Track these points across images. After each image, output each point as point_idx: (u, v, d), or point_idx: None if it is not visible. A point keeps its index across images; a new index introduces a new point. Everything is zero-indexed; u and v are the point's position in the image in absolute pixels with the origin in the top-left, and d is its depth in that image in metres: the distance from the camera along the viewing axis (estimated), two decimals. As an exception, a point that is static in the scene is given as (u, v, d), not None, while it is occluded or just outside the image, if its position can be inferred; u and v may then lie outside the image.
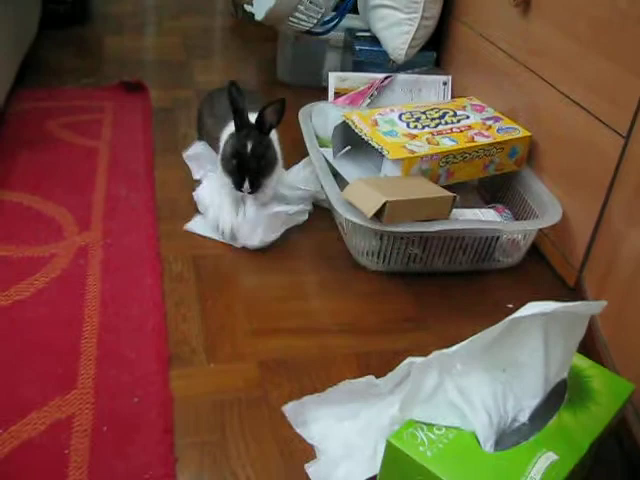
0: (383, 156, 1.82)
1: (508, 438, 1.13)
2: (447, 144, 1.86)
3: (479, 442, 1.09)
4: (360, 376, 1.35)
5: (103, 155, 2.21)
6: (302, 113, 2.18)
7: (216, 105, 2.12)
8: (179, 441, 1.28)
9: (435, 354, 1.10)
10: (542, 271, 1.89)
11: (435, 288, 1.77)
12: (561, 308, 1.09)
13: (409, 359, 1.13)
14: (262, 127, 1.81)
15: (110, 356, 1.44)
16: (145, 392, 1.36)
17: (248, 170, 1.77)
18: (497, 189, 2.10)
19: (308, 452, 1.29)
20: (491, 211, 1.88)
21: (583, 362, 1.28)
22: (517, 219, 1.96)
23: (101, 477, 1.19)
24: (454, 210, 1.76)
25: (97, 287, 1.62)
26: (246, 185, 1.77)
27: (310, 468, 1.25)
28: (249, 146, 1.77)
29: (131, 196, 2.01)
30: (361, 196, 1.64)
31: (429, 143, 1.85)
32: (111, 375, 1.40)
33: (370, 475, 1.22)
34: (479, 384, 1.15)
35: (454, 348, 1.10)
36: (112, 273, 1.68)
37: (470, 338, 1.10)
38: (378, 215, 1.61)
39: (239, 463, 1.26)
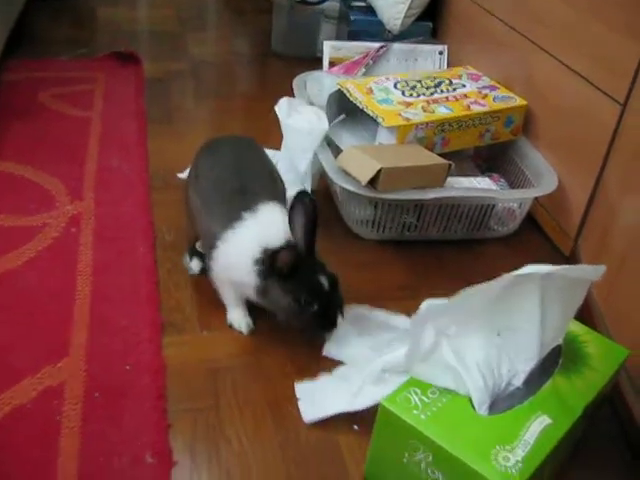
0: (378, 124, 1.81)
1: (502, 402, 1.12)
2: (442, 112, 1.84)
3: (473, 405, 1.08)
4: None
5: (95, 126, 2.19)
6: (296, 82, 2.15)
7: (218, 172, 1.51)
8: (172, 408, 1.27)
9: (430, 308, 1.08)
10: (538, 240, 1.88)
11: (430, 257, 1.76)
12: (559, 271, 1.08)
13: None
14: (308, 244, 1.35)
15: (102, 324, 1.43)
16: (137, 359, 1.36)
17: (333, 306, 1.36)
18: (493, 158, 2.08)
19: (301, 417, 1.28)
20: (487, 179, 1.87)
21: (578, 328, 1.28)
22: (513, 188, 1.95)
23: (93, 443, 1.19)
24: (449, 178, 1.74)
25: (89, 256, 1.61)
26: (338, 320, 1.36)
27: (299, 385, 1.32)
28: (324, 280, 1.34)
29: (123, 166, 1.99)
30: (355, 163, 1.62)
31: (424, 111, 1.83)
32: (103, 343, 1.39)
33: (347, 410, 1.26)
34: (474, 347, 1.14)
35: (448, 303, 1.08)
36: (104, 242, 1.67)
37: (465, 292, 1.07)
38: (373, 183, 1.60)
39: (232, 429, 1.25)
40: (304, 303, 1.32)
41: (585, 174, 1.71)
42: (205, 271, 1.50)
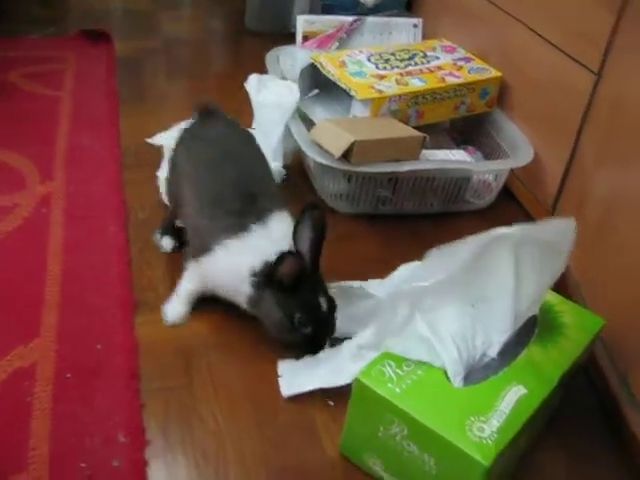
0: (352, 98, 1.79)
1: (477, 373, 1.11)
2: (416, 84, 1.82)
3: (448, 377, 1.07)
4: None
5: (66, 105, 2.16)
6: (269, 57, 2.12)
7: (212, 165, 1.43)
8: (145, 387, 1.26)
9: (407, 287, 1.07)
10: (514, 212, 1.87)
11: (405, 230, 1.74)
12: (529, 230, 1.07)
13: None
14: (313, 260, 1.29)
15: (74, 304, 1.41)
16: (109, 339, 1.34)
17: (327, 331, 1.31)
18: (468, 131, 2.07)
19: (276, 396, 1.27)
20: (462, 152, 1.86)
21: (553, 298, 1.27)
22: (489, 160, 1.94)
23: (65, 424, 1.17)
24: (424, 151, 1.73)
25: (60, 235, 1.59)
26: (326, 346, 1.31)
27: (281, 363, 1.31)
28: (324, 302, 1.28)
29: (95, 145, 1.96)
30: (329, 136, 1.61)
31: (398, 84, 1.81)
32: (75, 323, 1.36)
33: (325, 386, 1.25)
34: (448, 319, 1.12)
35: (427, 282, 1.07)
36: (75, 221, 1.64)
37: (435, 252, 1.07)
38: (346, 156, 1.58)
39: (207, 408, 1.24)
40: (298, 323, 1.26)
41: (561, 145, 1.70)
42: (179, 249, 1.50)
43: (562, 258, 1.13)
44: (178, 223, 1.56)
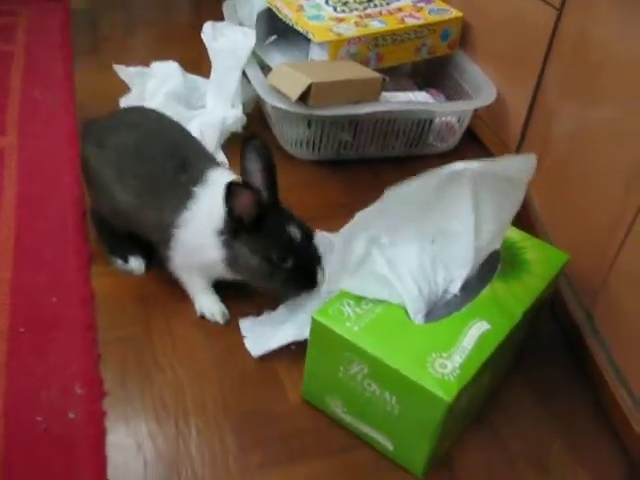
0: (310, 43, 1.74)
1: (439, 310, 1.09)
2: (376, 26, 1.78)
3: (408, 314, 1.05)
4: None
5: (18, 59, 2.09)
6: (226, 5, 2.06)
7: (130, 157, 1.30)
8: (102, 338, 1.23)
9: (359, 214, 1.03)
10: (478, 155, 1.84)
11: (368, 175, 1.72)
12: (488, 165, 1.04)
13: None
14: (270, 191, 1.22)
15: (27, 258, 1.37)
16: (65, 291, 1.30)
17: (311, 260, 1.22)
18: (431, 75, 2.03)
19: (236, 343, 1.25)
20: (424, 94, 1.83)
21: (517, 234, 1.24)
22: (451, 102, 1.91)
23: (19, 378, 1.14)
24: (385, 94, 1.70)
25: (13, 190, 1.54)
26: (319, 277, 1.21)
27: (243, 322, 1.28)
28: (295, 232, 1.21)
29: (49, 99, 1.91)
30: (286, 80, 1.57)
31: (357, 26, 1.77)
32: (29, 276, 1.33)
33: (295, 340, 1.22)
34: (407, 256, 1.10)
35: (378, 206, 1.03)
36: (29, 175, 1.60)
37: (392, 191, 1.02)
38: (304, 99, 1.54)
39: (165, 357, 1.22)
40: (276, 259, 1.18)
41: (524, 84, 1.67)
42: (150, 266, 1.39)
43: (521, 191, 1.10)
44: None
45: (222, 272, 1.26)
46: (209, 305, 1.30)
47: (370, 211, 1.04)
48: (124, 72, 1.80)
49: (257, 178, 1.19)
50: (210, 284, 1.32)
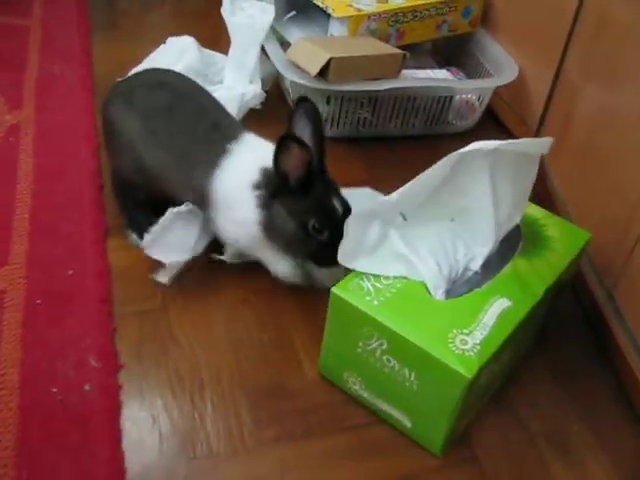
0: (329, 18, 1.72)
1: (460, 288, 1.08)
2: (396, 2, 1.76)
3: (429, 290, 1.03)
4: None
5: (35, 33, 2.08)
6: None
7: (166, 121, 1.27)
8: (118, 311, 1.22)
9: (375, 202, 1.02)
10: (498, 134, 1.82)
11: (387, 153, 1.70)
12: (505, 145, 1.02)
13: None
14: (319, 157, 1.17)
15: (44, 230, 1.36)
16: (81, 264, 1.29)
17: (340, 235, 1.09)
18: (451, 53, 2.01)
19: (253, 317, 1.25)
20: (444, 71, 1.80)
21: (538, 212, 1.22)
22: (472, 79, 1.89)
23: (35, 349, 1.13)
24: (405, 71, 1.67)
25: (30, 163, 1.53)
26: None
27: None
28: (338, 205, 1.17)
29: (66, 73, 1.89)
30: (305, 55, 1.55)
31: (377, 2, 1.75)
32: (45, 249, 1.32)
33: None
34: (426, 234, 1.09)
35: (394, 195, 1.03)
36: (45, 149, 1.58)
37: (411, 182, 1.02)
38: (323, 74, 1.52)
39: (181, 330, 1.20)
40: (313, 229, 1.14)
41: (546, 62, 1.65)
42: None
43: (536, 163, 1.08)
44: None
45: (255, 234, 1.20)
46: (286, 268, 1.26)
47: (386, 199, 1.02)
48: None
49: (305, 138, 1.12)
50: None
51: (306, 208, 1.14)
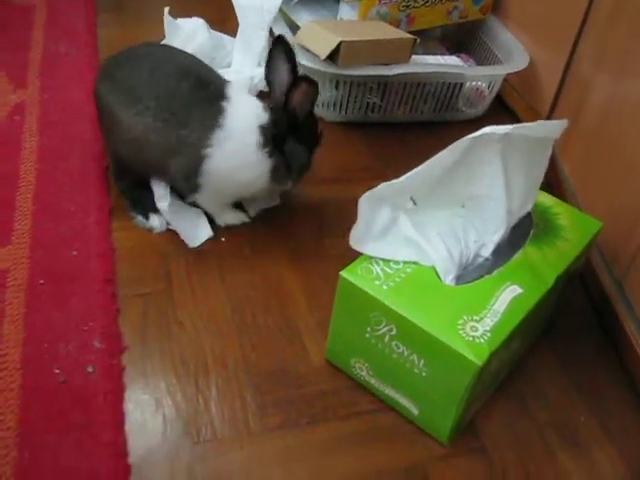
0: (339, 1, 1.70)
1: (471, 274, 1.06)
2: (407, -13, 1.74)
3: (439, 276, 1.02)
4: (319, 223, 1.37)
5: (40, 13, 2.06)
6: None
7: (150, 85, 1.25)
8: (122, 292, 1.21)
9: (384, 185, 1.00)
10: (508, 122, 1.76)
11: (395, 139, 1.68)
12: (518, 129, 1.00)
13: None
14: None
15: (47, 210, 1.34)
16: (85, 244, 1.28)
17: None
18: (461, 40, 1.99)
19: (258, 300, 1.23)
20: (454, 57, 1.78)
21: (549, 200, 1.21)
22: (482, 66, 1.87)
23: (38, 330, 1.12)
24: (415, 57, 1.66)
25: (34, 143, 1.51)
26: None
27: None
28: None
29: (71, 53, 1.87)
30: (315, 39, 1.53)
31: (388, -14, 1.73)
32: (48, 229, 1.30)
33: None
34: (436, 219, 1.07)
35: (404, 178, 1.01)
36: (50, 128, 1.56)
37: (421, 165, 1.00)
38: (333, 58, 1.50)
39: (186, 313, 1.19)
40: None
41: (558, 51, 1.63)
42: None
43: (548, 148, 1.06)
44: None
45: (260, 186, 1.28)
46: (232, 214, 1.37)
47: (396, 181, 1.00)
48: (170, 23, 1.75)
49: (285, 78, 1.22)
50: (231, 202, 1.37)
51: (307, 131, 1.29)
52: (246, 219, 1.38)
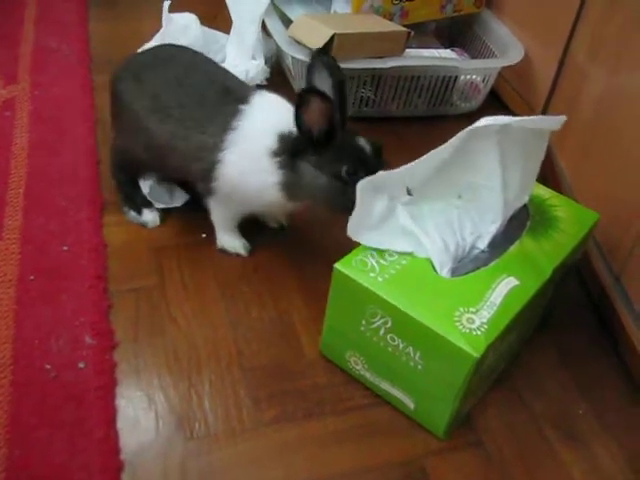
0: (332, -6, 1.70)
1: (467, 266, 1.05)
2: (401, -20, 1.73)
3: (435, 268, 1.01)
4: (312, 214, 1.32)
5: (31, 7, 2.05)
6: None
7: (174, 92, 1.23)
8: (113, 288, 1.20)
9: (382, 174, 0.99)
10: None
11: (389, 133, 1.66)
12: (516, 122, 0.99)
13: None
14: (341, 110, 1.11)
15: (38, 206, 1.33)
16: (76, 240, 1.27)
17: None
18: (455, 34, 1.97)
19: (251, 294, 1.22)
20: (449, 51, 1.77)
21: (546, 192, 1.20)
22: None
23: (29, 326, 1.11)
24: (409, 50, 1.64)
25: (25, 138, 1.50)
26: None
27: None
28: (365, 145, 1.14)
29: (63, 48, 1.86)
30: (308, 32, 1.52)
31: (382, -21, 1.72)
32: (39, 224, 1.29)
33: None
34: (433, 211, 1.06)
35: (402, 168, 1.00)
36: (41, 124, 1.55)
37: (421, 157, 0.99)
38: (326, 52, 1.49)
39: (178, 308, 1.18)
40: (347, 175, 1.08)
41: (552, 45, 1.62)
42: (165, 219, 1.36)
43: (544, 140, 1.05)
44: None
45: (270, 198, 1.16)
46: (231, 240, 1.30)
47: (395, 171, 0.99)
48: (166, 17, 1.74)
49: (325, 90, 1.07)
50: (238, 222, 1.29)
51: (333, 157, 1.10)
52: (242, 251, 1.30)
